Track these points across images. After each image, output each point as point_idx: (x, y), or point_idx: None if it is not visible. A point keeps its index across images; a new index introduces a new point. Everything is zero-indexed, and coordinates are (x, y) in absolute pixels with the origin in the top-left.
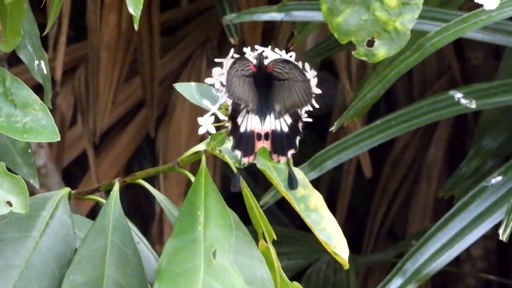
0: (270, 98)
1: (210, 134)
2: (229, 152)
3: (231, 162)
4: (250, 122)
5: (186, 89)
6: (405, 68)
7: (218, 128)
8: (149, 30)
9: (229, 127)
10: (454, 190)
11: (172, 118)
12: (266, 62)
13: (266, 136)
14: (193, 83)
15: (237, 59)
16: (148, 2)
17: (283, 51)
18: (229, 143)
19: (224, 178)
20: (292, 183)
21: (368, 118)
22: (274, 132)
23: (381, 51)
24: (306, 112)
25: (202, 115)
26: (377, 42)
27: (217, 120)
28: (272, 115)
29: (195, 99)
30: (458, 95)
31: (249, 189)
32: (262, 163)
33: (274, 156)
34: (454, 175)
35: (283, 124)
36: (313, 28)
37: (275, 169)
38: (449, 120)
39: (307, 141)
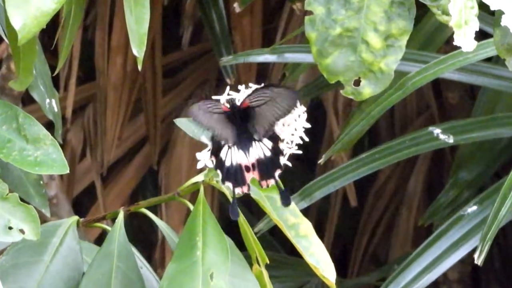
0: (248, 130)
1: (208, 167)
2: None
3: (227, 192)
4: (234, 156)
5: (185, 124)
6: (388, 106)
7: None
8: (153, 72)
9: (214, 163)
10: (433, 219)
11: (174, 153)
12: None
13: (254, 166)
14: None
15: (210, 99)
16: (152, 45)
17: None
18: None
19: (222, 207)
20: (286, 200)
21: (353, 152)
22: (258, 160)
23: (367, 90)
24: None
25: (201, 150)
26: (363, 82)
27: None
28: (254, 145)
29: (193, 133)
30: (436, 131)
31: (244, 218)
32: (256, 193)
33: (263, 183)
34: (432, 204)
35: (265, 149)
36: (304, 69)
37: (268, 198)
38: (428, 154)
39: (297, 173)
